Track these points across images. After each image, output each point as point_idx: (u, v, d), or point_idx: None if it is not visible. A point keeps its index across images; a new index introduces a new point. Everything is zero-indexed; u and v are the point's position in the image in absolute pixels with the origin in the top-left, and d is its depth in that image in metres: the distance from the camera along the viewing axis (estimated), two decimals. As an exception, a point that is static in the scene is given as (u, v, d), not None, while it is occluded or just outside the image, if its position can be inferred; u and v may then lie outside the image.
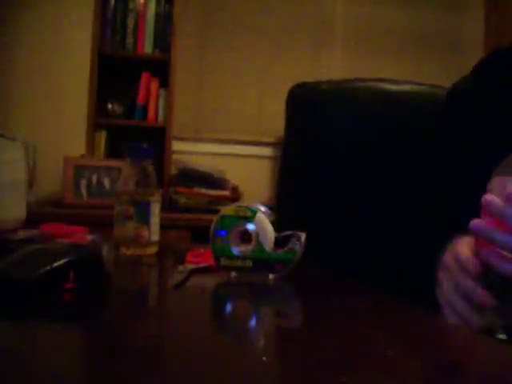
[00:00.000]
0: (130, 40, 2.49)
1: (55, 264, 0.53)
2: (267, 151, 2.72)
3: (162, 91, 2.50)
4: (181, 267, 0.71)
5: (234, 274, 0.69)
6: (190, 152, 2.68)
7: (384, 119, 1.13)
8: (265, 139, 2.70)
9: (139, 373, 0.34)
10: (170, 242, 1.76)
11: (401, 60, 2.79)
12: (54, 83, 2.56)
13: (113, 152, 2.52)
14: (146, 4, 2.49)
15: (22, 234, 0.88)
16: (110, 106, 2.53)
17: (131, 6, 2.49)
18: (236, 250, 0.69)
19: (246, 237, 0.69)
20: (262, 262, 0.68)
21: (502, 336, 0.55)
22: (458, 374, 0.38)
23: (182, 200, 2.39)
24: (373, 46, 2.80)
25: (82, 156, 2.44)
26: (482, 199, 0.56)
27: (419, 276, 0.74)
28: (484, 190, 0.58)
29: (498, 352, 0.43)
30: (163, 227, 0.88)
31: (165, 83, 2.49)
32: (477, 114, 0.80)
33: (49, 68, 2.56)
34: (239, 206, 0.70)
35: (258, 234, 0.68)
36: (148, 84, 2.50)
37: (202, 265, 0.73)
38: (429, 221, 0.78)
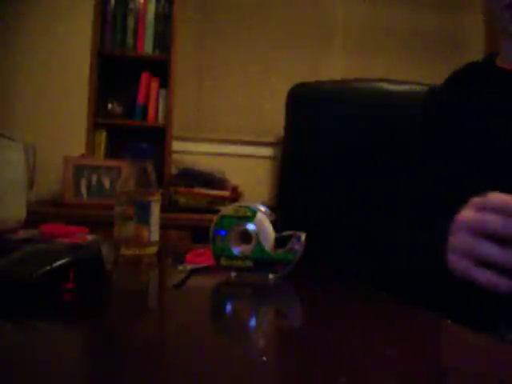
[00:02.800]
0: (130, 40, 2.49)
1: (55, 264, 0.53)
2: (267, 151, 2.72)
3: (162, 91, 2.50)
4: (181, 267, 0.71)
5: (234, 273, 0.69)
6: (190, 152, 2.68)
7: (384, 119, 1.13)
8: (265, 139, 2.70)
9: (139, 373, 0.34)
10: (170, 242, 1.76)
11: (401, 60, 2.79)
12: (54, 83, 2.56)
13: (113, 152, 2.52)
14: (146, 4, 2.49)
15: (22, 234, 0.88)
16: (110, 105, 2.52)
17: (131, 5, 2.49)
18: (236, 250, 0.69)
19: (246, 237, 0.69)
20: (262, 262, 0.68)
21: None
22: (458, 374, 0.38)
23: (182, 200, 2.39)
24: (373, 46, 2.80)
25: (82, 156, 2.44)
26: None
27: (420, 272, 0.74)
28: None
29: (498, 352, 0.43)
30: (163, 227, 0.88)
31: (165, 83, 2.49)
32: (444, 118, 0.86)
33: (49, 68, 2.56)
34: (239, 206, 0.70)
35: (258, 234, 0.68)
36: (148, 84, 2.50)
37: (201, 265, 0.73)
38: (427, 219, 0.78)
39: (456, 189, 0.59)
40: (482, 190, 0.73)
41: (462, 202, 0.63)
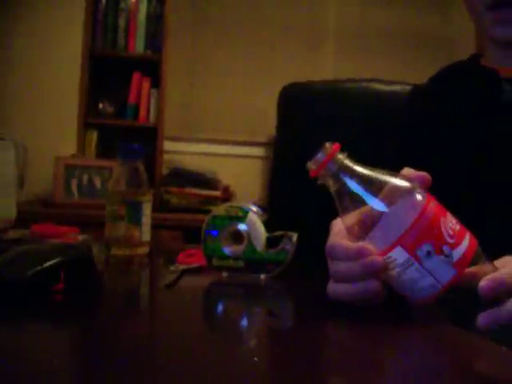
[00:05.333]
0: (121, 40, 2.48)
1: (46, 264, 0.53)
2: (259, 151, 2.72)
3: (153, 91, 2.50)
4: (172, 267, 0.71)
5: (225, 274, 0.69)
6: (182, 152, 2.67)
7: (376, 119, 1.14)
8: (256, 139, 2.70)
9: (131, 372, 0.33)
10: (162, 243, 1.76)
11: (393, 60, 2.80)
12: (45, 83, 2.55)
13: (104, 152, 2.51)
14: (137, 4, 2.48)
15: (12, 234, 0.88)
16: (101, 105, 2.52)
17: (122, 5, 2.48)
18: (228, 251, 0.69)
19: (237, 237, 0.69)
20: (253, 263, 0.68)
21: None
22: (458, 374, 0.38)
23: (174, 200, 2.39)
24: (365, 46, 2.81)
25: (73, 156, 2.43)
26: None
27: None
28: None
29: (498, 353, 0.44)
30: (154, 227, 0.88)
31: (156, 83, 2.49)
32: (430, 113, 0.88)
33: (40, 68, 2.55)
34: (231, 206, 0.70)
35: (249, 235, 0.68)
36: (139, 84, 2.49)
37: (193, 265, 0.72)
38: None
39: (442, 186, 0.59)
40: (468, 186, 0.74)
41: (448, 199, 0.64)
